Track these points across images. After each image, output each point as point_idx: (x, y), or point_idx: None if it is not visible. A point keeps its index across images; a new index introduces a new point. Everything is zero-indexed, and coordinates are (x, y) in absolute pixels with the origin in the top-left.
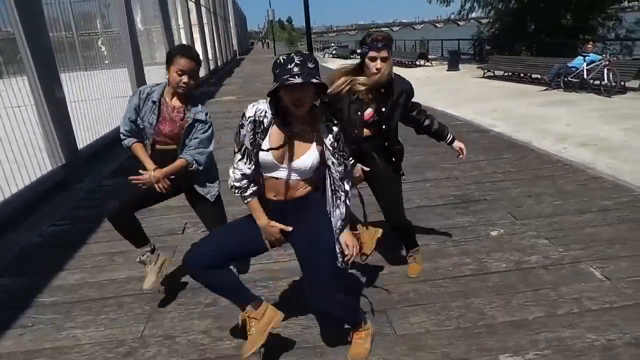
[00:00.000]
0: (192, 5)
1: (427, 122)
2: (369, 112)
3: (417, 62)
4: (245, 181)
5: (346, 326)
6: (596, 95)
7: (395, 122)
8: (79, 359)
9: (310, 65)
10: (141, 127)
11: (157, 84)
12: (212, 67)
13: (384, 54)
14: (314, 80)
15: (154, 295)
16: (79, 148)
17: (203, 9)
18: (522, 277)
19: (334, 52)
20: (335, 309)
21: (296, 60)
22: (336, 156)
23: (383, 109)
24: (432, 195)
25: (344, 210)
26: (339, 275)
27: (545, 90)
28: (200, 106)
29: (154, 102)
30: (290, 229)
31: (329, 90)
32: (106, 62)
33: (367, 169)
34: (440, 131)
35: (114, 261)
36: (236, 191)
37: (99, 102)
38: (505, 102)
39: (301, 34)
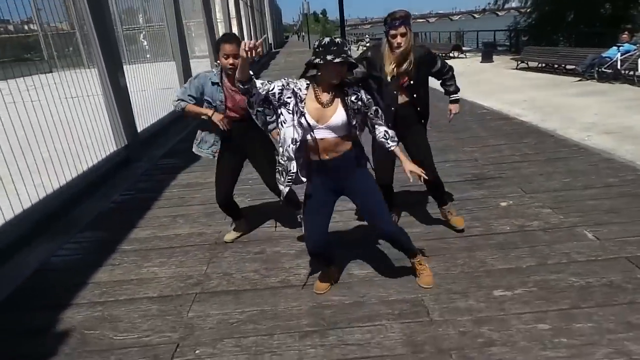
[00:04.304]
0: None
1: (451, 88)
2: (404, 79)
3: (451, 54)
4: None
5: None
6: (630, 86)
7: (423, 89)
8: (159, 286)
9: (346, 49)
10: (214, 105)
11: (210, 70)
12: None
13: (402, 30)
14: (351, 60)
15: (211, 246)
16: (138, 131)
17: (241, 2)
18: (522, 237)
19: (367, 44)
20: (399, 231)
21: (338, 41)
22: (366, 104)
23: (412, 80)
24: (452, 174)
25: (382, 128)
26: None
27: (579, 81)
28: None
29: (215, 84)
30: None
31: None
32: (147, 56)
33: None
34: (450, 92)
35: (177, 222)
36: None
37: (146, 93)
38: (536, 93)
39: (335, 27)
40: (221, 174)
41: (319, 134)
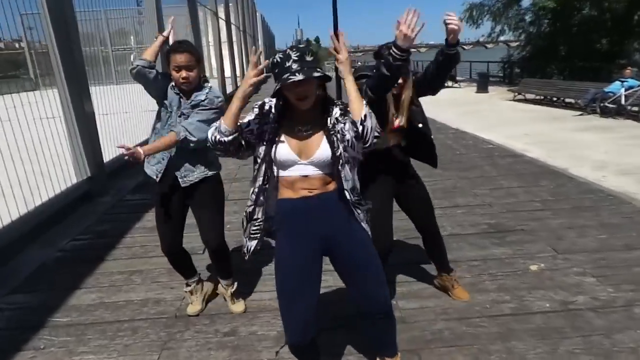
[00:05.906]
0: (222, 23)
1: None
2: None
3: (445, 84)
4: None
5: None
6: (635, 122)
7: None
8: None
9: (309, 58)
10: (170, 111)
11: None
12: (239, 83)
13: None
14: (316, 74)
15: (169, 320)
16: (104, 161)
17: (233, 27)
18: (569, 319)
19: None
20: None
21: (293, 56)
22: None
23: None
24: (465, 223)
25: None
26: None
27: (581, 115)
28: (204, 89)
29: (177, 94)
30: None
31: None
32: None
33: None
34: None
35: (132, 281)
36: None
37: (128, 115)
38: (538, 127)
39: (329, 52)
40: (161, 217)
41: (302, 170)
